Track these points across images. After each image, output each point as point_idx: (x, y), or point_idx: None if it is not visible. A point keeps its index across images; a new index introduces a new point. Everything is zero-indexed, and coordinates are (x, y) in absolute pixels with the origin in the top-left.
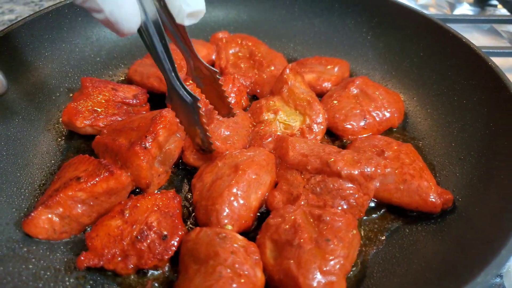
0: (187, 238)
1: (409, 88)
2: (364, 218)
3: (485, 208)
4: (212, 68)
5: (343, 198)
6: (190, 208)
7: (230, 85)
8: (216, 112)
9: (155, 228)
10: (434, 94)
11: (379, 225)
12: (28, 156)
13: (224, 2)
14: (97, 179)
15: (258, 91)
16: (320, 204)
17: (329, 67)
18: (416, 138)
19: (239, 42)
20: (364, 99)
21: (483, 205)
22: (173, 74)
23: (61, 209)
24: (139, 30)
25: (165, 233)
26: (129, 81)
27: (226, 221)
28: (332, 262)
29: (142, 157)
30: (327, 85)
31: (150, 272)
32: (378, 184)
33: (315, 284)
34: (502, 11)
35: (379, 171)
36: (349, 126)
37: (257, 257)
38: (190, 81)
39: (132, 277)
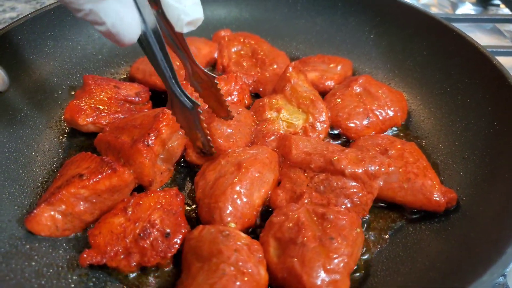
0: (190, 236)
1: (412, 87)
2: (368, 216)
3: (489, 207)
4: (210, 73)
5: (347, 196)
6: (193, 206)
7: (233, 83)
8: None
9: (158, 226)
10: (437, 93)
11: (382, 224)
12: (30, 154)
13: (226, 0)
14: (99, 176)
15: (261, 89)
16: (323, 202)
17: (332, 65)
18: (419, 137)
19: (242, 40)
20: (367, 97)
21: (487, 204)
22: (173, 81)
23: (63, 206)
24: (139, 40)
25: (168, 230)
26: (131, 79)
27: (229, 219)
28: (336, 261)
29: (144, 155)
30: (330, 83)
31: (153, 269)
32: (382, 183)
33: (319, 282)
34: (504, 10)
35: (383, 169)
36: (352, 125)
37: (260, 255)
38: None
39: (135, 274)
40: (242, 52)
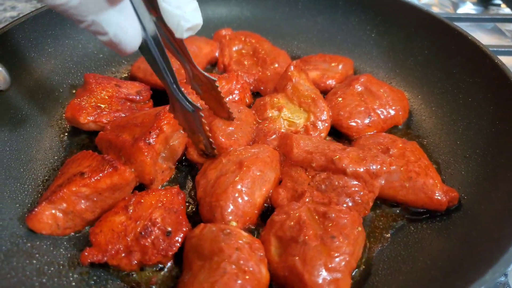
0: (191, 234)
1: (413, 86)
2: (369, 215)
3: (491, 206)
4: (210, 76)
5: (348, 195)
6: (194, 205)
7: (234, 82)
8: None
9: (159, 224)
10: (438, 92)
11: (384, 222)
12: (31, 152)
13: None
14: (100, 174)
15: (262, 88)
16: (325, 201)
17: (333, 64)
18: (421, 136)
19: (243, 39)
20: (369, 96)
21: (488, 203)
22: (174, 86)
23: (64, 205)
24: (140, 47)
25: (169, 229)
26: (132, 77)
27: (230, 217)
28: (337, 259)
29: (146, 153)
30: (331, 82)
31: (154, 268)
32: (383, 182)
33: (320, 281)
34: (505, 10)
35: (384, 168)
36: (353, 124)
37: (261, 254)
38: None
39: (136, 273)
40: (243, 51)
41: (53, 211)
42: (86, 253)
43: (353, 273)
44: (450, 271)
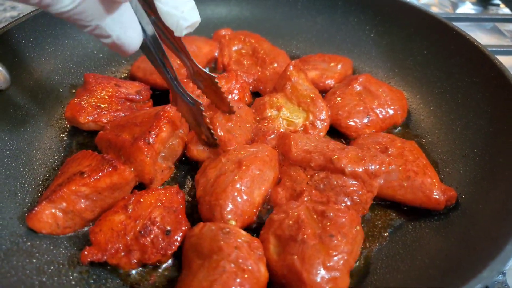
0: (190, 233)
1: (412, 85)
2: (368, 214)
3: (489, 205)
4: (210, 73)
5: (347, 194)
6: (194, 204)
7: (233, 82)
8: None
9: (158, 223)
10: (437, 92)
11: (382, 221)
12: (31, 152)
13: None
14: (100, 174)
15: (261, 88)
16: (323, 200)
17: (332, 64)
18: (419, 136)
19: (242, 39)
20: (368, 96)
21: (486, 202)
22: (175, 82)
23: (64, 204)
24: (141, 47)
25: (169, 228)
26: (132, 77)
27: (229, 216)
28: (335, 258)
29: (145, 153)
30: (330, 82)
31: (154, 267)
32: (382, 182)
33: (318, 280)
34: (504, 10)
35: (383, 168)
36: (352, 123)
37: (260, 253)
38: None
39: (136, 272)
40: (242, 51)
41: (53, 211)
42: (86, 252)
43: (352, 272)
44: (448, 269)
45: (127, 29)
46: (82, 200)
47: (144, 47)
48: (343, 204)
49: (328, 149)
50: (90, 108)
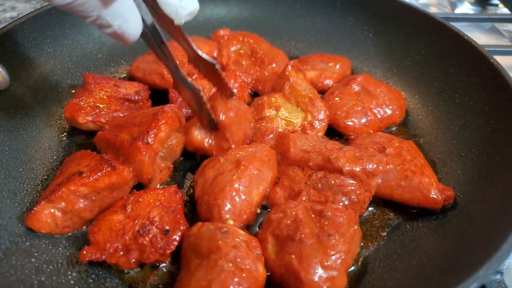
0: (189, 232)
1: (410, 85)
2: (365, 214)
3: (486, 205)
4: (210, 59)
5: (345, 194)
6: (192, 203)
7: (232, 81)
8: None
9: (157, 223)
10: (435, 92)
11: (380, 221)
12: (31, 152)
13: None
14: (99, 174)
15: (260, 88)
16: (321, 200)
17: (330, 64)
18: (417, 136)
19: (241, 39)
20: (366, 96)
21: (484, 202)
22: (176, 69)
23: (63, 204)
24: (141, 35)
25: (167, 228)
26: (131, 78)
27: (228, 216)
28: (333, 257)
29: (144, 152)
30: (328, 82)
31: (152, 266)
32: (379, 181)
33: (316, 279)
34: (503, 10)
35: (381, 168)
36: (350, 123)
37: (258, 252)
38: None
39: (134, 271)
40: (241, 51)
41: (52, 210)
42: (85, 252)
43: (349, 271)
44: (445, 269)
45: (127, 18)
46: (81, 200)
47: (144, 35)
48: (341, 204)
49: (326, 148)
50: (89, 108)
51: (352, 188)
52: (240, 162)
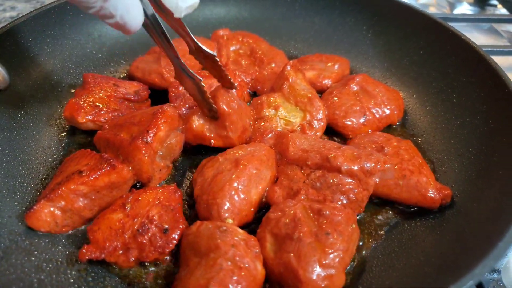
0: (188, 231)
1: (408, 85)
2: (363, 213)
3: (483, 204)
4: (210, 51)
5: (343, 193)
6: (191, 202)
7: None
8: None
9: (156, 222)
10: (433, 92)
11: (378, 220)
12: (30, 151)
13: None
14: (98, 172)
15: (259, 88)
16: (320, 198)
17: (329, 64)
18: (415, 135)
19: (240, 39)
20: (364, 96)
21: (481, 201)
22: (177, 60)
23: (63, 203)
24: (143, 26)
25: (166, 226)
26: (130, 77)
27: (226, 215)
28: (331, 256)
29: (143, 152)
30: (327, 82)
31: (151, 265)
32: (377, 180)
33: (314, 277)
34: (502, 10)
35: (378, 166)
36: (349, 123)
37: (257, 250)
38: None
39: (133, 270)
40: (240, 51)
41: (52, 209)
42: (84, 250)
43: (347, 270)
44: (443, 267)
45: (129, 8)
46: (81, 199)
47: (146, 26)
48: (339, 203)
49: (325, 148)
50: (88, 108)
51: (350, 187)
52: (239, 161)
